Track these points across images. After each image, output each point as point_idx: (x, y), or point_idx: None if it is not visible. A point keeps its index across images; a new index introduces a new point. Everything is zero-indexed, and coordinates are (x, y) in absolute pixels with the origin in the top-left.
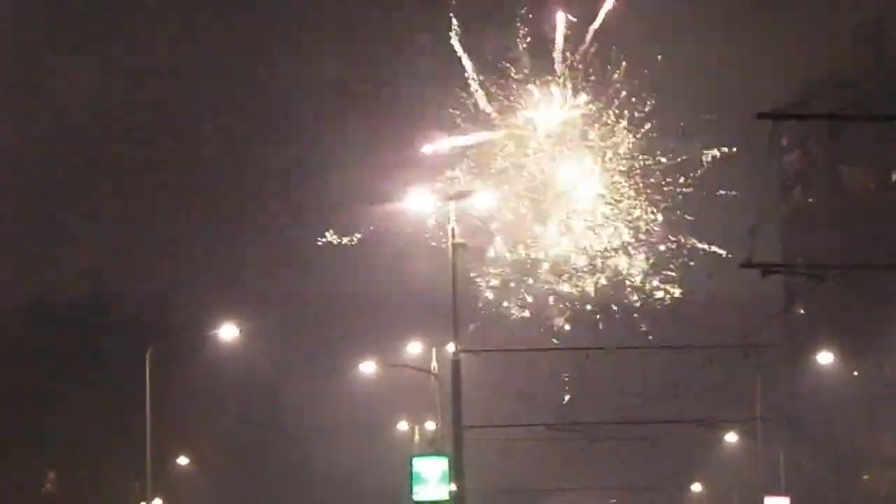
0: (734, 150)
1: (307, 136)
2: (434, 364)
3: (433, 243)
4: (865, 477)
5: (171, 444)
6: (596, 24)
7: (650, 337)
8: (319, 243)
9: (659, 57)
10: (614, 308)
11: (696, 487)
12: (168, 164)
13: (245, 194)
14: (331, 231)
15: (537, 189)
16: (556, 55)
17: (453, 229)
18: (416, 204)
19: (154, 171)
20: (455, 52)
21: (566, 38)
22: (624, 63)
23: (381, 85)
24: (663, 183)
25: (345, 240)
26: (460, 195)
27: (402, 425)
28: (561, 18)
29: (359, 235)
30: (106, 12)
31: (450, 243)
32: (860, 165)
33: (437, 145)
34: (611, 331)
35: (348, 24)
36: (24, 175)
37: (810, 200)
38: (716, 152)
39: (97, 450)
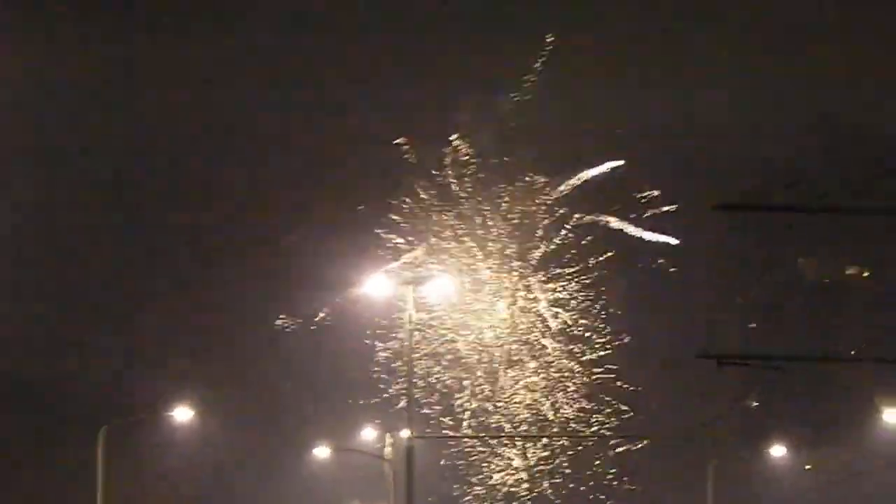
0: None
1: (261, 216)
2: (388, 449)
3: (389, 329)
4: None
5: None
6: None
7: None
8: (276, 326)
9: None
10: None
11: None
12: (119, 234)
13: (199, 277)
14: (285, 315)
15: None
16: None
17: (410, 315)
18: (374, 289)
19: (105, 243)
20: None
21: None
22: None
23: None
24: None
25: (298, 323)
26: (417, 281)
27: None
28: None
29: (319, 317)
30: None
31: (407, 328)
32: (817, 257)
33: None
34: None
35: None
36: None
37: (768, 292)
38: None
39: None
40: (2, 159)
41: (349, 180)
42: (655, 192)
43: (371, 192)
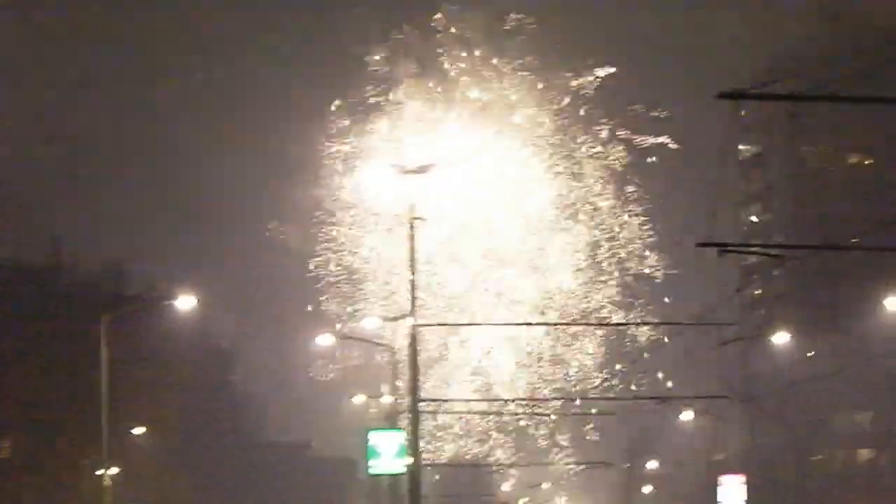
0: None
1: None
2: (391, 337)
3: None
4: (819, 456)
5: (128, 413)
6: None
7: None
8: (267, 234)
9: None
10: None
11: (652, 464)
12: (130, 132)
13: (205, 169)
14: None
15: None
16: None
17: (412, 205)
18: (375, 177)
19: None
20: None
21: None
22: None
23: None
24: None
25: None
26: (420, 169)
27: (359, 398)
28: None
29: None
30: None
31: (409, 218)
32: (820, 146)
33: None
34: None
35: None
36: None
37: (770, 180)
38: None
39: (53, 418)
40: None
41: None
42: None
43: None
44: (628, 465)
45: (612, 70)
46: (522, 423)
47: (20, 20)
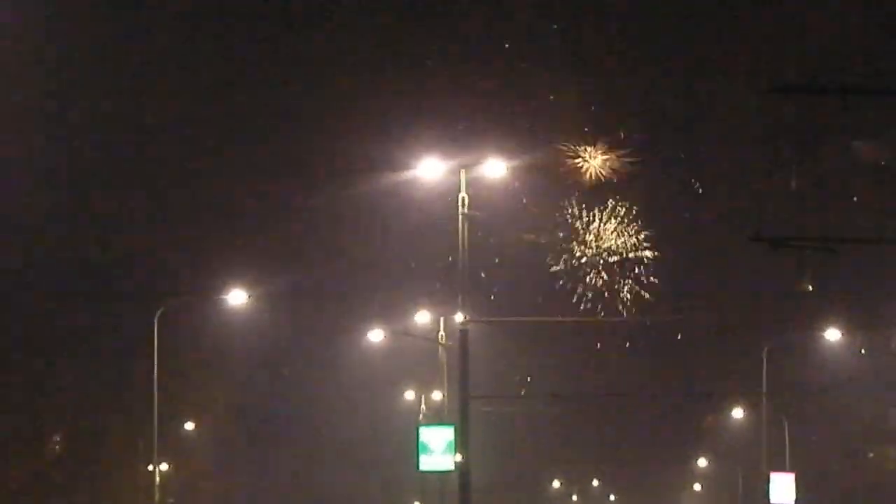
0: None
1: (317, 104)
2: (441, 333)
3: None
4: (871, 454)
5: (178, 409)
6: None
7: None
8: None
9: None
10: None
11: (702, 462)
12: (181, 124)
13: (255, 165)
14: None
15: None
16: None
17: (464, 198)
18: (427, 171)
19: (168, 131)
20: None
21: None
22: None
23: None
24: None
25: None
26: (472, 162)
27: (409, 394)
28: None
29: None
30: None
31: (460, 212)
32: (873, 138)
33: None
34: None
35: None
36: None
37: (822, 174)
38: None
39: (104, 413)
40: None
41: None
42: None
43: None
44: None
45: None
46: (570, 419)
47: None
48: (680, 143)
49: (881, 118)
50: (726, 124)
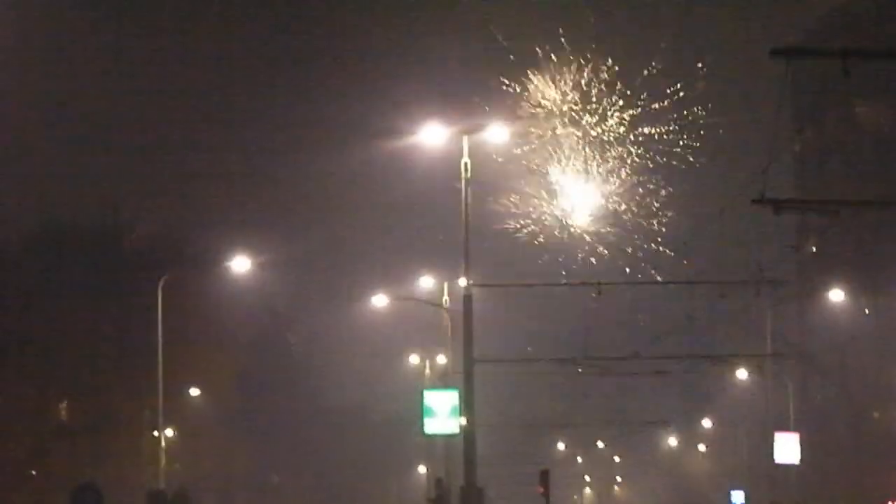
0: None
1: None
2: (446, 298)
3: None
4: (875, 414)
5: (184, 375)
6: None
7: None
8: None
9: None
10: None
11: (707, 423)
12: (189, 94)
13: (259, 131)
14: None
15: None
16: None
17: (466, 164)
18: (429, 137)
19: (175, 101)
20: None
21: None
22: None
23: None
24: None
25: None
26: (474, 128)
27: (414, 359)
28: None
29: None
30: None
31: (462, 178)
32: (874, 102)
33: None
34: (623, 265)
35: None
36: (50, 102)
37: (824, 137)
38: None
39: (110, 380)
40: None
41: None
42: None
43: None
44: (682, 424)
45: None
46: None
47: None
48: (682, 105)
49: (883, 83)
50: (730, 88)
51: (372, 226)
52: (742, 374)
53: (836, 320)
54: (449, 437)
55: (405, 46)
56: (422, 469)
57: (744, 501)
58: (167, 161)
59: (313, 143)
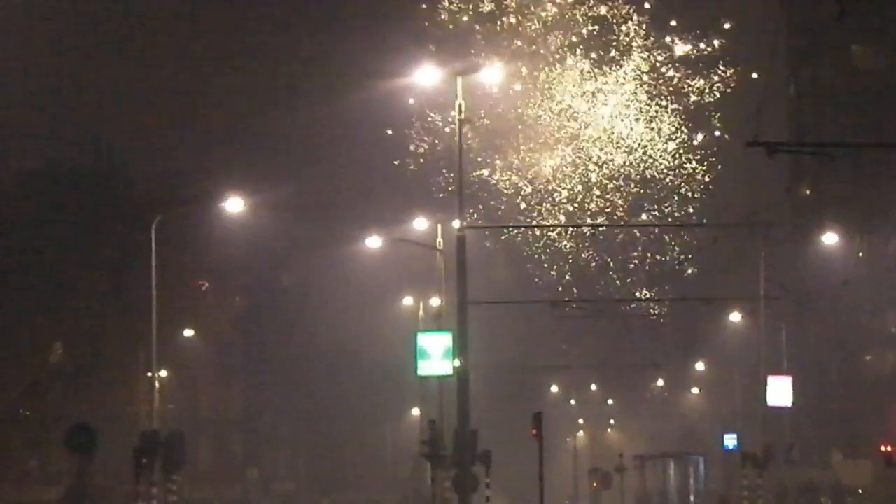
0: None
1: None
2: (439, 240)
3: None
4: (868, 357)
5: (177, 317)
6: None
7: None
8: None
9: None
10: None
11: (699, 366)
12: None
13: (252, 73)
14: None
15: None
16: None
17: (460, 105)
18: (424, 78)
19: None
20: None
21: None
22: None
23: None
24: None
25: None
26: (468, 69)
27: (407, 300)
28: None
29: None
30: None
31: (456, 119)
32: (871, 45)
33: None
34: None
35: None
36: (41, 39)
37: (819, 80)
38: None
39: (103, 321)
40: None
41: None
42: None
43: None
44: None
45: None
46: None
47: None
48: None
49: (879, 26)
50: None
51: (366, 167)
52: (735, 316)
53: (829, 263)
54: (442, 379)
55: None
56: (415, 411)
57: (736, 444)
58: (161, 104)
59: (307, 84)
